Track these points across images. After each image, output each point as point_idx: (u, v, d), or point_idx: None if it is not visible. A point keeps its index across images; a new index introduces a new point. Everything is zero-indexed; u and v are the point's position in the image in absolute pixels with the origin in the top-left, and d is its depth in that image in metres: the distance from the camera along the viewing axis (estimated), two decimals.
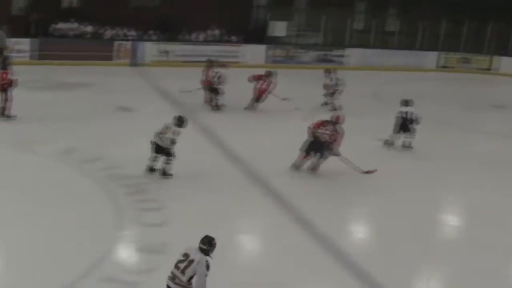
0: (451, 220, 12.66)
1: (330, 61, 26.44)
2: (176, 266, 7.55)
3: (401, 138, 16.20)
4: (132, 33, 24.94)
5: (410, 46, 28.54)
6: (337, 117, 13.92)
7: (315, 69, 24.00)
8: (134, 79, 22.39)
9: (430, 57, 28.75)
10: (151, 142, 12.52)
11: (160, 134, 12.43)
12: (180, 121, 12.60)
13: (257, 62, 24.87)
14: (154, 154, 12.61)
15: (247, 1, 26.95)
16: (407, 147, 16.16)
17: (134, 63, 24.08)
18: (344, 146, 13.57)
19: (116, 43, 24.15)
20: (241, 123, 17.63)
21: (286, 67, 24.94)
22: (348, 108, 18.73)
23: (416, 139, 16.15)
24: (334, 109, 18.18)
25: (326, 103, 19.37)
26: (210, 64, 18.69)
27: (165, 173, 12.64)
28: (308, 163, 13.82)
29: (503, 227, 12.06)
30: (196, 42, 25.44)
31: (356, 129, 15.37)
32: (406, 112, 15.86)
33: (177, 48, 24.78)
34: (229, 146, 15.16)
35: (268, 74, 18.70)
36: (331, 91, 19.33)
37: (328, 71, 19.54)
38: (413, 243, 10.90)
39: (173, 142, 12.45)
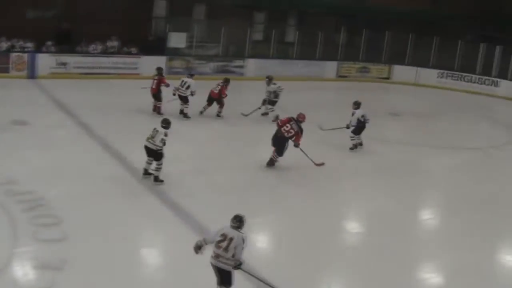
0: (348, 226, 13.12)
1: (230, 72, 26.67)
2: (218, 246, 8.81)
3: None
4: (29, 44, 24.45)
5: (309, 56, 29.09)
6: (301, 116, 15.90)
7: (215, 80, 24.24)
8: (31, 91, 21.99)
9: (330, 67, 29.44)
10: (144, 146, 13.67)
11: (151, 138, 13.59)
12: (166, 123, 13.73)
13: None
14: (148, 158, 13.84)
15: (146, 12, 26.89)
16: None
17: (31, 75, 23.63)
18: None
19: (12, 55, 23.63)
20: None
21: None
22: (251, 117, 19.31)
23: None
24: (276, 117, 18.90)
25: (266, 112, 20.71)
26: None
27: (156, 180, 13.74)
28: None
29: (400, 233, 12.63)
30: (95, 54, 25.19)
31: (260, 138, 15.85)
32: (363, 115, 17.84)
33: (75, 60, 24.44)
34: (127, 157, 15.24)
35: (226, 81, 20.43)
36: (272, 98, 20.67)
37: (269, 79, 20.79)
38: (312, 249, 11.26)
39: (163, 142, 13.51)
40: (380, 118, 22.62)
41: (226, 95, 20.19)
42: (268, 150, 15.79)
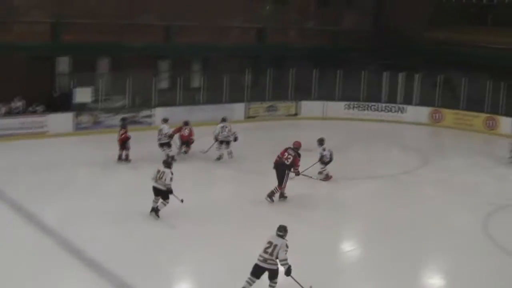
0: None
1: (138, 122, 26.82)
2: (265, 252, 11.44)
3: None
4: None
5: (217, 100, 29.52)
6: (297, 143, 17.99)
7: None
8: None
9: (238, 109, 29.92)
10: (153, 187, 15.39)
11: (159, 179, 15.30)
12: (168, 163, 15.59)
13: (65, 131, 25.08)
14: (155, 198, 15.53)
15: (49, 69, 26.82)
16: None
17: None
18: None
19: None
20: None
21: (95, 133, 25.21)
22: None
23: (229, 186, 17.19)
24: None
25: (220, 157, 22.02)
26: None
27: (157, 212, 15.51)
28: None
29: (322, 266, 13.03)
30: None
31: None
32: (329, 152, 19.89)
33: None
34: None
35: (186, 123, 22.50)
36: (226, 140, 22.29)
37: (224, 120, 22.46)
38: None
39: (171, 180, 15.24)
40: None
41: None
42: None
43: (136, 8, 29.07)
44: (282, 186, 17.51)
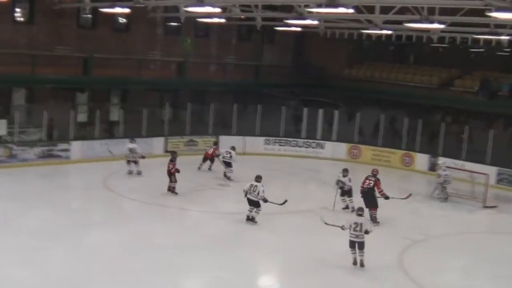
0: None
1: (55, 156, 26.88)
2: (355, 230, 16.07)
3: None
4: None
5: (136, 134, 29.61)
6: (375, 170, 21.70)
7: (39, 166, 24.70)
8: None
9: (157, 143, 30.20)
10: (247, 199, 19.47)
11: (253, 192, 19.41)
12: (259, 178, 19.71)
13: None
14: (250, 207, 19.56)
15: None
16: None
17: None
18: None
19: None
20: None
21: (10, 167, 25.18)
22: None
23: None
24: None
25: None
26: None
27: (253, 219, 19.60)
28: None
29: None
30: None
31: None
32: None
33: None
34: None
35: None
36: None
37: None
38: None
39: (264, 192, 19.36)
40: (210, 191, 23.86)
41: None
42: None
43: (53, 39, 29.38)
44: (377, 207, 20.76)
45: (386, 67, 38.87)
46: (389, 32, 31.62)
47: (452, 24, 24.85)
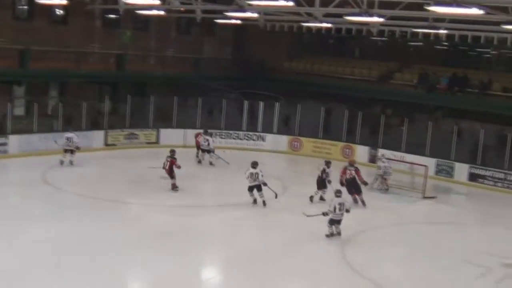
0: None
1: None
2: (340, 209, 18.13)
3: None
4: None
5: (75, 127, 29.19)
6: (352, 160, 24.48)
7: None
8: None
9: (97, 136, 29.92)
10: (250, 187, 21.14)
11: (256, 179, 21.10)
12: (256, 164, 21.46)
13: None
14: (259, 193, 21.15)
15: None
16: None
17: None
18: None
19: None
20: None
21: None
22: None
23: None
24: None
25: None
26: None
27: (264, 203, 21.37)
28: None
29: None
30: None
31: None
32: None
33: None
34: None
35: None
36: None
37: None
38: None
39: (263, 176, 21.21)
40: (151, 183, 23.77)
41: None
42: None
43: None
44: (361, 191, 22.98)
45: (326, 60, 39.22)
46: (329, 25, 31.88)
47: (392, 18, 25.16)
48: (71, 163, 25.84)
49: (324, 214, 18.59)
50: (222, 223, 19.77)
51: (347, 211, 18.51)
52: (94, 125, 30.45)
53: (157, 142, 31.84)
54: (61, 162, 25.74)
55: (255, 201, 21.46)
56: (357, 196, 22.97)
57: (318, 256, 17.24)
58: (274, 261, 16.39)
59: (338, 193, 18.92)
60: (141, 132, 31.55)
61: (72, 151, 25.89)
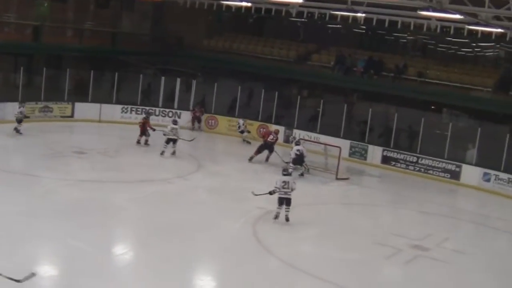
0: (42, 270, 13.25)
1: None
2: (284, 187, 18.04)
3: None
4: None
5: None
6: (277, 130, 27.48)
7: None
8: None
9: (11, 108, 28.77)
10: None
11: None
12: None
13: None
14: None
15: None
16: None
17: None
18: None
19: None
20: None
21: None
22: None
23: None
24: None
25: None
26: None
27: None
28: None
29: (95, 272, 13.22)
30: None
31: None
32: (299, 150, 24.11)
33: None
34: None
35: None
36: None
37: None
38: None
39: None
40: (65, 158, 23.16)
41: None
42: None
43: None
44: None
45: (245, 39, 38.96)
46: (249, 4, 31.64)
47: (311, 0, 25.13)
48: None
49: (271, 193, 18.51)
50: (138, 199, 19.29)
51: (292, 189, 18.23)
52: (8, 97, 29.29)
53: (72, 116, 30.94)
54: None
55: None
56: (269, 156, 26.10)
57: (231, 234, 17.04)
58: (187, 238, 16.11)
59: (284, 171, 18.88)
60: (56, 106, 30.58)
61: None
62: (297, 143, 24.87)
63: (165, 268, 13.98)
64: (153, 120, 30.39)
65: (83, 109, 30.87)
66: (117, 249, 15.72)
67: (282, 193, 18.17)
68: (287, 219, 18.18)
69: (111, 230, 16.62)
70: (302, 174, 24.69)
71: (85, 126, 29.92)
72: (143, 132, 26.73)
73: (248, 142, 29.72)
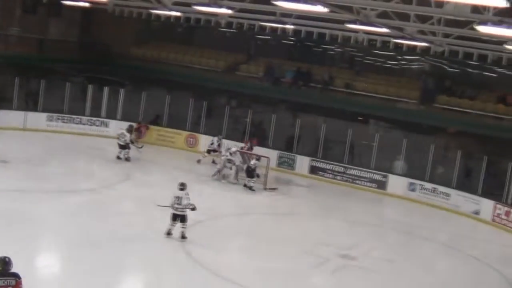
0: None
1: None
2: (176, 203, 16.84)
3: None
4: None
5: None
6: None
7: None
8: None
9: None
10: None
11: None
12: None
13: None
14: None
15: None
16: None
17: None
18: None
19: None
20: None
21: None
22: None
23: None
24: None
25: None
26: None
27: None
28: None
29: None
30: None
31: None
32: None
33: None
34: None
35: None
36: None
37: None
38: None
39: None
40: None
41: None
42: None
43: None
44: None
45: (174, 48, 38.66)
46: (178, 13, 31.40)
47: (240, 10, 25.11)
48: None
49: (172, 206, 17.13)
50: (62, 210, 18.81)
51: (185, 206, 16.91)
52: None
53: None
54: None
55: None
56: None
57: (159, 246, 16.75)
58: (114, 250, 15.83)
59: (180, 186, 17.29)
60: None
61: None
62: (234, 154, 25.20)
63: (90, 281, 13.64)
64: (80, 129, 29.95)
65: (7, 116, 30.00)
66: (39, 262, 15.25)
67: (174, 209, 16.98)
68: (182, 237, 17.07)
69: (34, 243, 16.06)
70: (251, 188, 24.78)
71: (8, 134, 29.05)
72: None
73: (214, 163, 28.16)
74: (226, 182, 25.30)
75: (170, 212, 17.13)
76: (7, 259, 10.23)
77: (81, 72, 35.57)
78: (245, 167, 25.11)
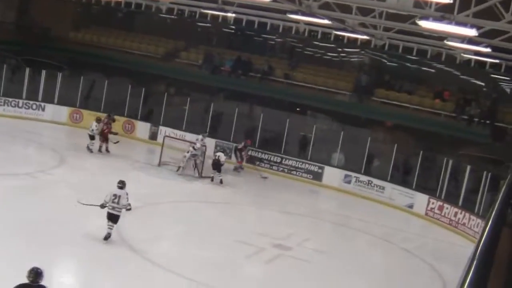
0: None
1: None
2: (113, 202, 15.53)
3: None
4: None
5: None
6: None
7: None
8: None
9: None
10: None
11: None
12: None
13: None
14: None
15: None
16: None
17: None
18: None
19: None
20: None
21: None
22: None
23: None
24: None
25: None
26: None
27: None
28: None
29: None
30: None
31: None
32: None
33: None
34: None
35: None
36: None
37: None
38: None
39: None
40: None
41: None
42: None
43: None
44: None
45: (114, 33, 38.18)
46: None
47: None
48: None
49: (101, 206, 15.84)
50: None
51: (123, 205, 15.69)
52: None
53: None
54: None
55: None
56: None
57: (94, 232, 16.38)
58: (48, 231, 15.46)
59: (120, 184, 15.86)
60: None
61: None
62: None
63: (22, 269, 13.28)
64: (16, 112, 29.36)
65: None
66: None
67: (110, 207, 15.65)
68: (105, 238, 15.73)
69: None
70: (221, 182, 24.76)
71: None
72: (106, 138, 26.21)
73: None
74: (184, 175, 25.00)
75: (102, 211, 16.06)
76: (39, 270, 9.62)
77: (18, 54, 34.82)
78: (212, 160, 24.87)
